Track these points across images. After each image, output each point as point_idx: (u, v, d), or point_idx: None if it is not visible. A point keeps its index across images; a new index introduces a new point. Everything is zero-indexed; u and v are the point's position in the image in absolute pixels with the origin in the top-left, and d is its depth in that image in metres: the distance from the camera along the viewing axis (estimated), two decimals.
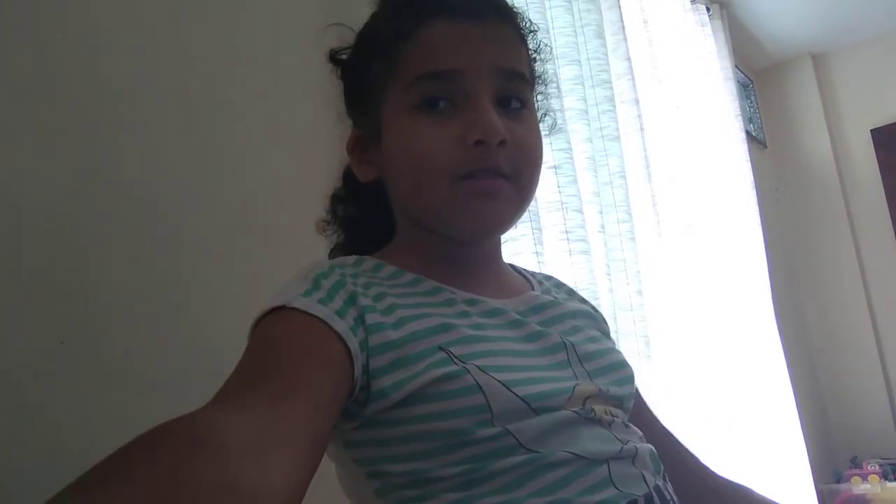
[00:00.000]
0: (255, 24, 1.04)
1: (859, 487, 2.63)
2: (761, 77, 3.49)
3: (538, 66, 0.70)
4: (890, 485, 2.64)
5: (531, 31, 0.68)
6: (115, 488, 0.34)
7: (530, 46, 0.68)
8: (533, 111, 0.67)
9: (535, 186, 0.66)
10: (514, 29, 0.65)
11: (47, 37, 0.78)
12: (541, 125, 0.70)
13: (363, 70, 0.66)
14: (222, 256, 0.91)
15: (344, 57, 0.70)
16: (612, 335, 1.37)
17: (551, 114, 0.77)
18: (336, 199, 0.76)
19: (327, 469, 0.61)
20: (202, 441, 0.38)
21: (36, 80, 0.76)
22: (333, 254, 0.75)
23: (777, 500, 0.76)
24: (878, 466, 2.76)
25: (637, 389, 0.70)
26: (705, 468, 0.79)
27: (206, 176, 0.91)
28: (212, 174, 0.92)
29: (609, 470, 0.55)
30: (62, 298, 0.74)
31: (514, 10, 0.66)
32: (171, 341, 0.82)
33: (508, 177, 0.61)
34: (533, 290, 0.71)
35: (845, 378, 3.13)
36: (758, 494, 0.80)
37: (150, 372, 0.79)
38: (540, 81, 0.71)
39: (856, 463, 2.88)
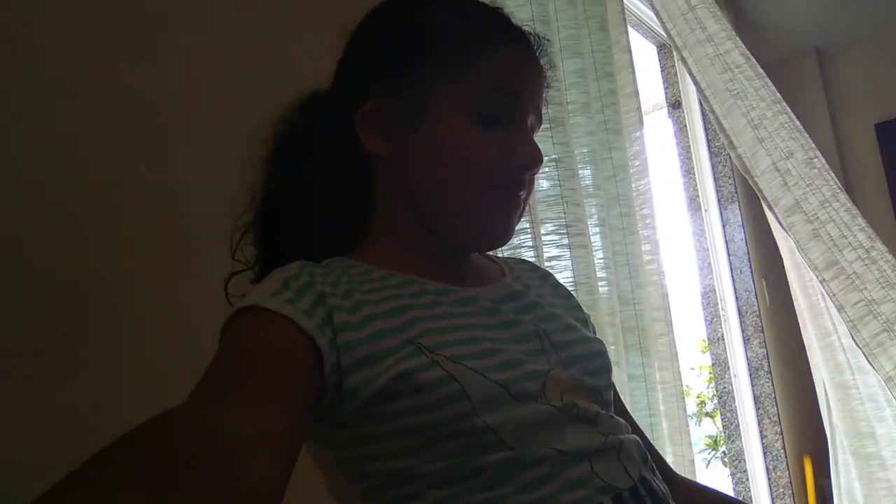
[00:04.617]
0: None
1: None
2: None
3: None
4: None
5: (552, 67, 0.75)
6: (117, 479, 0.37)
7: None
8: None
9: None
10: (547, 70, 0.71)
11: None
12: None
13: (423, 47, 0.66)
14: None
15: (404, 20, 0.68)
16: (614, 328, 1.39)
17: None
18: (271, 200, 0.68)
19: (315, 472, 0.61)
20: (200, 439, 0.42)
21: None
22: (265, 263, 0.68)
23: None
24: None
25: (613, 385, 0.70)
26: (685, 478, 0.78)
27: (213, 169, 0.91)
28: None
29: (591, 465, 0.56)
30: (62, 295, 0.74)
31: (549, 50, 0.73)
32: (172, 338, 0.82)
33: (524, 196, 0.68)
34: (505, 276, 0.71)
35: None
36: None
37: (147, 367, 0.80)
38: None
39: None
